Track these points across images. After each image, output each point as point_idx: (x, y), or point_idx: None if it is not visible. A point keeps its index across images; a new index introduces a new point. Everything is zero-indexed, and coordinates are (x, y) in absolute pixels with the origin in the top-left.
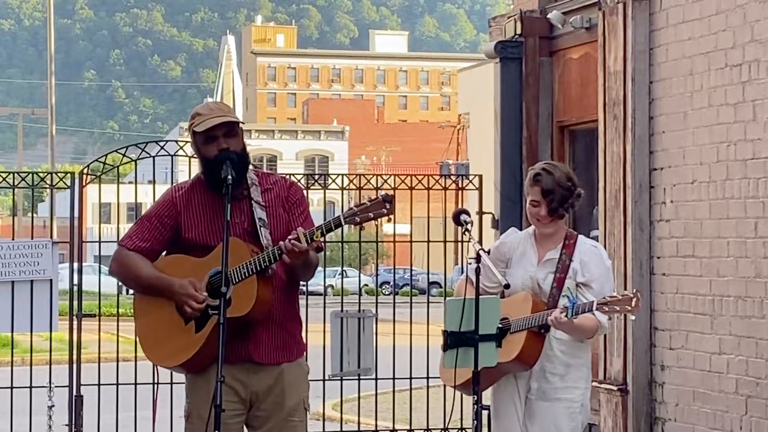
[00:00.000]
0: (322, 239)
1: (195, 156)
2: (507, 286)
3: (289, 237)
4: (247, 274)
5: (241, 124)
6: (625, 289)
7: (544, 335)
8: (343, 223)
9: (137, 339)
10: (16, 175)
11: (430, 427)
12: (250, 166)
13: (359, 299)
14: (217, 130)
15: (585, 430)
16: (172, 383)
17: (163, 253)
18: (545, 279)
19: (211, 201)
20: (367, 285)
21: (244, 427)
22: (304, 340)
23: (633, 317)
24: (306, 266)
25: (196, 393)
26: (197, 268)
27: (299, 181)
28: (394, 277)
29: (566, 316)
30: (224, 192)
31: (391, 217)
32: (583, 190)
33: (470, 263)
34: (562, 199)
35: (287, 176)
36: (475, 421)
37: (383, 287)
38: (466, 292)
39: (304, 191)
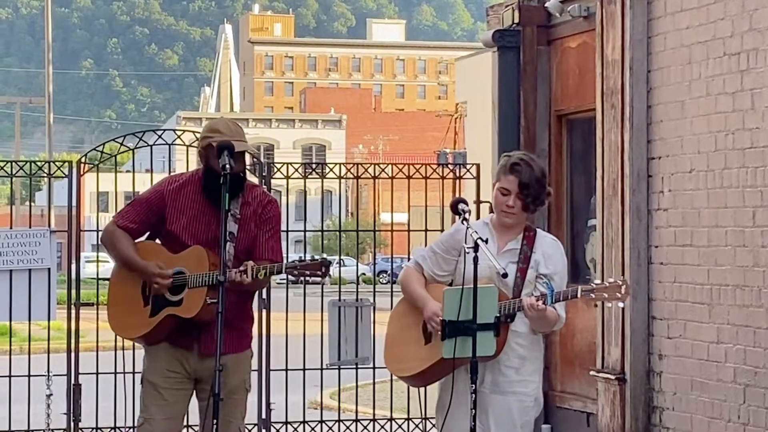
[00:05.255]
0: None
1: (195, 147)
2: (505, 275)
3: (240, 269)
4: (200, 284)
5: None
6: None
7: (508, 324)
8: (283, 272)
9: (107, 304)
10: (13, 164)
11: (427, 416)
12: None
13: (357, 288)
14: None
15: (582, 420)
16: None
17: (146, 234)
18: (506, 268)
19: (198, 202)
20: (364, 274)
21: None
22: (251, 334)
23: (622, 305)
24: (253, 288)
25: (148, 362)
26: (168, 261)
27: (297, 170)
28: (392, 266)
29: (544, 303)
30: (222, 182)
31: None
32: (552, 187)
33: (468, 252)
34: (536, 195)
35: (269, 193)
36: (473, 410)
37: (381, 276)
38: (413, 280)
39: (281, 209)
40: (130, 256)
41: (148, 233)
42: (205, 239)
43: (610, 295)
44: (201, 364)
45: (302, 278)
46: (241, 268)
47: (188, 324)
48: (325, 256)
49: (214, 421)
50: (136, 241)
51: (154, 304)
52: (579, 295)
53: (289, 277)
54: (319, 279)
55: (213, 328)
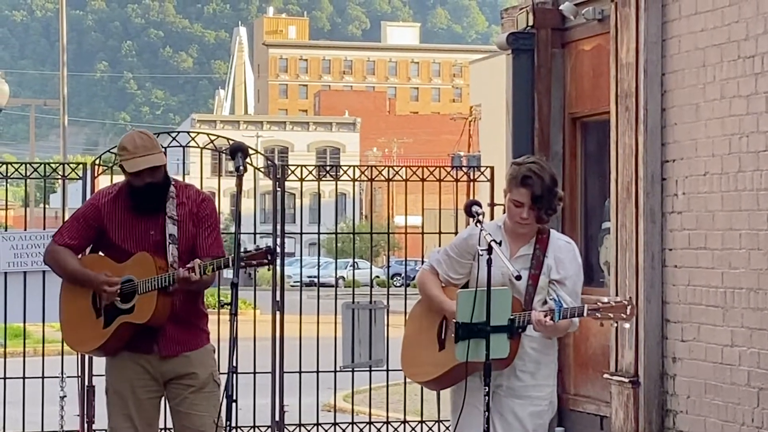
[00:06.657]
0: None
1: (209, 149)
2: (518, 278)
3: (188, 266)
4: (149, 289)
5: (163, 159)
6: (637, 282)
7: (521, 334)
8: (230, 265)
9: (60, 322)
10: (28, 165)
11: (441, 419)
12: (172, 178)
13: (371, 291)
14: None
15: (596, 423)
16: None
17: (89, 248)
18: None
19: (132, 212)
20: (378, 277)
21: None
22: (208, 329)
23: (627, 326)
24: (200, 286)
25: (112, 372)
26: (114, 271)
27: (311, 172)
28: (406, 268)
29: (551, 319)
30: (236, 183)
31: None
32: (563, 191)
33: (482, 254)
34: (549, 204)
35: (202, 190)
36: (486, 413)
37: (394, 279)
38: (431, 284)
39: (216, 205)
40: (75, 268)
41: (90, 248)
42: (148, 245)
43: (615, 315)
44: (164, 365)
45: (250, 268)
46: (189, 266)
47: (144, 329)
48: (269, 244)
49: (227, 422)
50: (79, 256)
51: (106, 314)
52: (585, 314)
53: (303, 279)
54: (267, 267)
55: (170, 329)
